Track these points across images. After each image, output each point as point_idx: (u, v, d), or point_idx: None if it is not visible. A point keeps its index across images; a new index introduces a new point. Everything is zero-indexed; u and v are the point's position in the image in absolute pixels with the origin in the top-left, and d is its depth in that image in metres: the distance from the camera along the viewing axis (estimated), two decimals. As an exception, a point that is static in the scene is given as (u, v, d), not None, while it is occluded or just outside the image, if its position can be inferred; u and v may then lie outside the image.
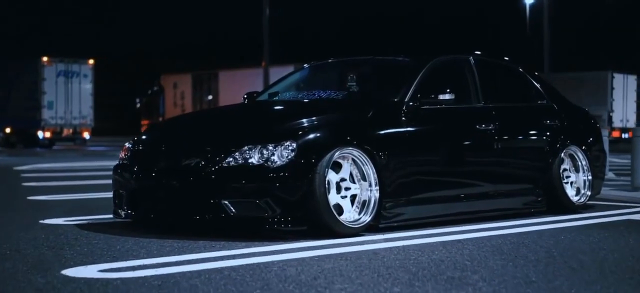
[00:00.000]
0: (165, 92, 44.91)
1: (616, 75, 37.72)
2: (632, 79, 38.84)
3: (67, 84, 33.77)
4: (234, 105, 8.55)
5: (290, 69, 21.35)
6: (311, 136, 6.66)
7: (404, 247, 6.20)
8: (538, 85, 8.96)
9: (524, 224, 7.65)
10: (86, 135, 34.74)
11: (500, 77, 8.81)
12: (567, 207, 8.64)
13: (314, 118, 6.90)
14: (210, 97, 42.69)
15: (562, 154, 8.70)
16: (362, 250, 5.99)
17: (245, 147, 6.56)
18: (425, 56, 7.99)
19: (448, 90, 7.48)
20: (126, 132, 45.11)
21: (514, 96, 8.87)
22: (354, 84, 7.98)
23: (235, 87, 38.89)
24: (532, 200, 8.44)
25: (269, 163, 6.48)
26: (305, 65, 8.90)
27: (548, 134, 8.64)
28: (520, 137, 8.44)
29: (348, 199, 6.82)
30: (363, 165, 6.87)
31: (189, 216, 6.62)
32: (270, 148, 6.52)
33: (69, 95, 33.85)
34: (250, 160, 6.51)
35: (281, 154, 6.50)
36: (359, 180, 6.87)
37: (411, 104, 7.41)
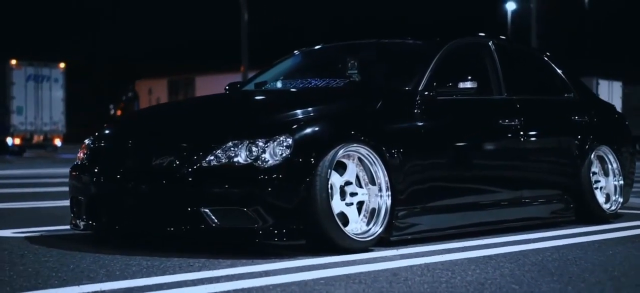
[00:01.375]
0: (140, 98, 43.60)
1: (601, 81, 36.97)
2: (617, 86, 38.25)
3: (37, 88, 32.44)
4: (216, 96, 7.35)
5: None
6: (310, 130, 5.49)
7: (427, 265, 5.03)
8: (564, 76, 7.81)
9: (554, 236, 6.50)
10: (58, 142, 33.46)
11: (523, 65, 7.66)
12: (598, 215, 7.49)
13: (312, 109, 5.72)
14: (186, 103, 41.40)
15: (592, 156, 7.56)
16: (378, 270, 4.81)
17: (230, 143, 5.38)
18: (440, 39, 6.84)
19: (469, 78, 6.32)
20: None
21: (539, 87, 7.72)
22: (356, 71, 6.79)
23: (213, 92, 37.67)
24: (560, 208, 7.29)
25: (259, 162, 5.30)
26: (295, 51, 7.70)
27: (576, 132, 7.49)
28: (547, 135, 7.28)
29: (354, 207, 5.65)
30: (371, 165, 5.70)
31: (161, 227, 5.43)
32: (261, 144, 5.34)
33: (39, 100, 32.52)
34: (235, 159, 5.33)
35: (274, 152, 5.32)
36: (366, 184, 5.70)
37: (426, 93, 6.25)
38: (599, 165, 7.75)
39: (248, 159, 5.32)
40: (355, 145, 5.59)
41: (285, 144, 5.33)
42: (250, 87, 7.18)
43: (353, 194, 5.63)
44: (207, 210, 5.28)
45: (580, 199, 7.40)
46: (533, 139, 7.01)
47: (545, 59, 7.79)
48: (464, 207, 6.38)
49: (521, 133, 6.88)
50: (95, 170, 5.79)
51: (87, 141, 6.12)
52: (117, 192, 5.64)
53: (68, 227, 6.19)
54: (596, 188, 7.61)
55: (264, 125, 5.52)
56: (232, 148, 5.35)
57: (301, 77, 6.83)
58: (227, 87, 7.41)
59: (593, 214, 7.46)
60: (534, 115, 7.09)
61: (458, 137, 6.43)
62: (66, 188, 6.33)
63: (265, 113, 5.84)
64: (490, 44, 7.08)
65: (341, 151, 5.50)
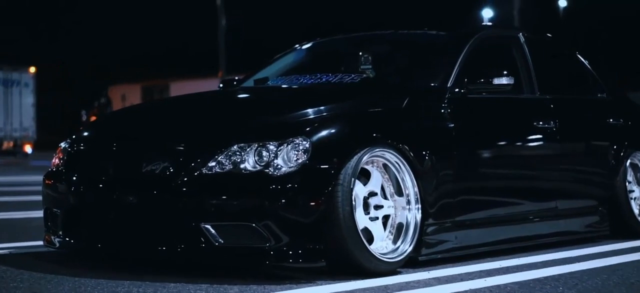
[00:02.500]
0: (113, 104, 42.60)
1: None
2: None
3: (7, 93, 31.37)
4: (213, 92, 6.48)
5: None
6: (330, 131, 4.67)
7: (473, 292, 4.22)
8: (596, 75, 7.03)
9: (599, 253, 5.73)
10: (28, 148, 32.41)
11: (554, 60, 6.87)
12: (634, 230, 6.70)
13: (329, 107, 4.90)
14: (161, 110, 40.52)
15: (627, 163, 6.78)
16: (418, 300, 4.00)
17: (235, 147, 4.55)
18: (467, 29, 6.05)
19: (505, 73, 5.53)
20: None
21: (571, 86, 6.94)
22: (370, 66, 5.97)
23: (189, 98, 36.76)
24: (595, 222, 6.50)
25: (271, 169, 4.47)
26: (296, 46, 6.87)
27: (612, 136, 6.71)
28: (582, 140, 6.48)
29: (379, 222, 4.83)
30: (398, 173, 4.88)
31: (153, 246, 4.58)
32: (272, 148, 4.52)
33: (9, 105, 31.45)
34: (242, 166, 4.51)
35: (288, 157, 4.50)
36: (392, 195, 4.89)
37: (456, 90, 5.47)
38: (632, 173, 6.97)
39: (257, 165, 4.49)
40: (380, 149, 4.78)
41: (301, 147, 4.51)
42: (249, 83, 6.34)
43: (378, 207, 4.82)
44: (208, 226, 4.45)
45: (615, 211, 6.61)
46: (568, 143, 6.23)
47: (578, 56, 7.00)
48: (496, 221, 5.59)
49: (557, 137, 6.10)
50: (74, 178, 4.94)
51: (63, 144, 5.26)
52: (99, 203, 4.79)
53: (41, 243, 5.34)
54: (631, 198, 6.84)
55: (276, 125, 4.69)
56: (237, 153, 4.52)
57: (308, 73, 6.00)
58: (221, 85, 6.59)
59: (629, 228, 6.67)
60: (569, 117, 6.31)
61: (491, 141, 5.64)
62: (40, 198, 5.46)
63: (276, 112, 4.99)
64: (520, 36, 6.30)
65: (366, 156, 4.68)
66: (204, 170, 4.50)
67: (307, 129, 4.60)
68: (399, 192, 4.89)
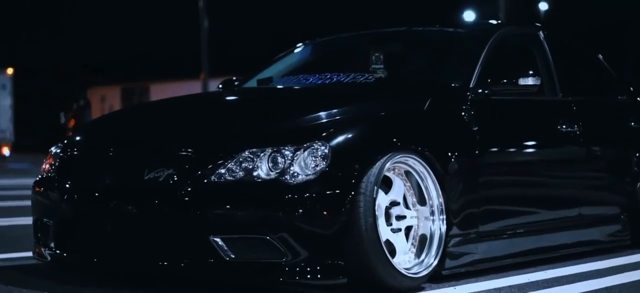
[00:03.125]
0: (92, 106, 42.00)
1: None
2: None
3: (-17, 95, 30.84)
4: (216, 93, 6.07)
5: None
6: (349, 135, 4.27)
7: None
8: (617, 77, 6.67)
9: (628, 264, 5.37)
10: (6, 151, 31.83)
11: (575, 60, 6.51)
12: None
13: (346, 109, 4.51)
14: (141, 112, 39.99)
15: (648, 168, 6.42)
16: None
17: (246, 152, 4.15)
18: (487, 26, 5.68)
19: (531, 73, 5.16)
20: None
21: (593, 87, 6.58)
22: (381, 66, 5.56)
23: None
24: (617, 230, 6.13)
25: (287, 177, 4.08)
26: (299, 44, 6.46)
27: (634, 140, 6.36)
28: (606, 144, 6.11)
29: (402, 233, 4.44)
30: (422, 180, 4.50)
31: (155, 262, 4.18)
32: (288, 153, 4.12)
33: (-14, 107, 30.93)
34: (255, 173, 4.11)
35: (305, 163, 4.10)
36: (414, 205, 4.50)
37: (480, 91, 5.09)
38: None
39: (271, 172, 4.09)
40: (403, 155, 4.39)
41: (320, 153, 4.11)
42: (251, 84, 5.94)
43: (400, 217, 4.43)
44: (217, 239, 4.05)
45: (636, 219, 6.26)
46: (592, 147, 5.87)
47: (599, 56, 6.64)
48: (520, 231, 5.21)
49: (580, 141, 5.73)
50: (67, 186, 4.52)
51: (54, 149, 4.84)
52: (95, 214, 4.38)
53: (30, 254, 4.91)
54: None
55: (291, 129, 4.29)
56: (249, 159, 4.12)
57: (316, 73, 5.59)
58: (220, 86, 6.18)
59: None
60: (592, 120, 5.95)
61: (515, 145, 5.28)
62: (21, 203, 5.02)
63: (289, 114, 4.58)
64: (539, 34, 5.93)
65: (389, 163, 4.29)
66: (213, 178, 4.10)
67: (325, 133, 4.21)
68: (422, 201, 4.51)
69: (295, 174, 4.07)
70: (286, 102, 5.03)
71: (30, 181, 5.20)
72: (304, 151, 4.12)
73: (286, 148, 4.12)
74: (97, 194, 4.36)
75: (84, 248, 4.42)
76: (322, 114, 4.41)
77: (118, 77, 47.45)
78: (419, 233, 4.49)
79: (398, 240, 4.40)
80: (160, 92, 39.65)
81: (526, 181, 5.30)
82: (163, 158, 4.26)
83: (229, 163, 4.11)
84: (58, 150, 4.77)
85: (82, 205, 4.42)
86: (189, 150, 4.24)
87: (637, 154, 6.28)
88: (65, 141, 4.86)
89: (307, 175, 4.07)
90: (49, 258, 4.58)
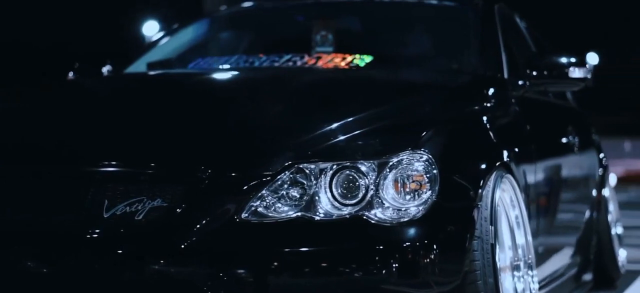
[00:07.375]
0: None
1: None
2: None
3: None
4: (177, 79, 3.72)
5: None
6: (449, 143, 2.78)
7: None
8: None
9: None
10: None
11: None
12: None
13: (409, 104, 3.00)
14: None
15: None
16: None
17: (288, 173, 2.54)
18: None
19: (574, 61, 3.71)
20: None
21: None
22: (330, 48, 3.92)
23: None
24: None
25: (370, 210, 2.53)
26: (215, 12, 4.90)
27: None
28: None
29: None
30: (513, 208, 3.08)
31: None
32: (369, 171, 2.56)
33: None
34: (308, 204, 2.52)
35: (403, 185, 2.55)
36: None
37: (521, 83, 3.68)
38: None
39: (341, 205, 2.52)
40: (503, 171, 2.93)
41: (423, 168, 2.58)
42: (139, 68, 4.03)
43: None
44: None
45: None
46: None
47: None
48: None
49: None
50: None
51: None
52: (13, 270, 2.56)
53: None
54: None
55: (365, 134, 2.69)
56: (297, 181, 2.52)
57: (265, 54, 3.80)
58: (106, 71, 4.08)
59: None
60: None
61: (549, 149, 4.01)
62: None
63: (339, 106, 2.91)
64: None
65: (498, 189, 2.85)
66: (235, 216, 2.48)
67: (423, 136, 2.67)
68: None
69: (385, 205, 2.51)
70: (316, 93, 3.21)
71: None
72: (393, 170, 2.55)
73: (362, 163, 2.54)
74: (11, 244, 2.57)
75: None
76: (382, 109, 2.84)
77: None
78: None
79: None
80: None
81: (558, 188, 4.07)
82: (136, 182, 2.54)
83: (263, 189, 2.50)
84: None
85: None
86: (189, 167, 2.56)
87: None
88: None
89: (406, 209, 2.51)
90: None
